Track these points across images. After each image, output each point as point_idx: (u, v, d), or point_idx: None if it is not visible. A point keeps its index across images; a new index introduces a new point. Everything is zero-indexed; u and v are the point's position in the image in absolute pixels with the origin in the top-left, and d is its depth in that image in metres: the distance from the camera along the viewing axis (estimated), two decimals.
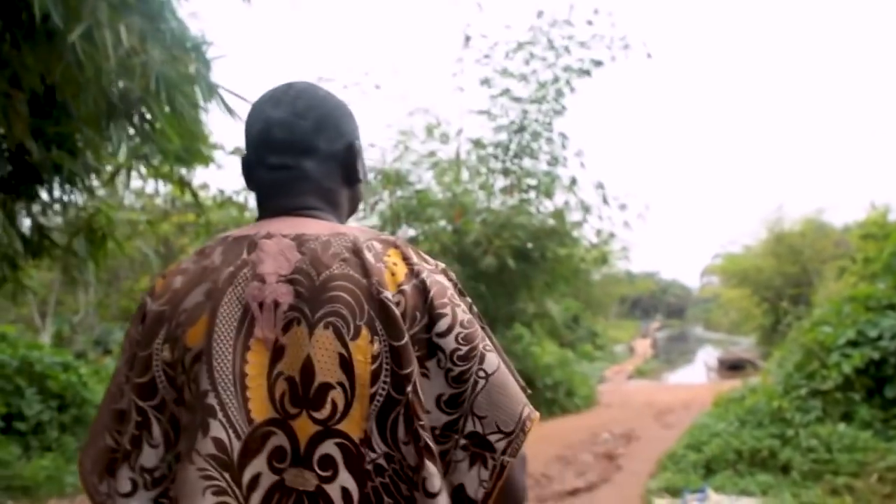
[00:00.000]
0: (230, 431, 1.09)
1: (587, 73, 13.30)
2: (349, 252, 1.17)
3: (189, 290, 1.18)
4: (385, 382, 1.10)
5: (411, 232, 13.06)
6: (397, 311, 1.12)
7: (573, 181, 13.33)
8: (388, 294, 1.13)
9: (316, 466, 1.09)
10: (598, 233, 14.27)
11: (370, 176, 12.44)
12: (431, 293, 1.16)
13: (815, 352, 8.60)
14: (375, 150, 13.68)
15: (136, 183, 14.50)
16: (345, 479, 1.08)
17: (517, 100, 13.42)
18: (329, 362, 1.10)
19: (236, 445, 1.09)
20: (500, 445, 1.13)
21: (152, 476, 1.17)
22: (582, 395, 14.92)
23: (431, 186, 13.72)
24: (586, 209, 13.32)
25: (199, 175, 26.88)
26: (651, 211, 16.32)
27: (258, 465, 1.09)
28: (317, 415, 1.09)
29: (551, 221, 13.59)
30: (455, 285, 1.24)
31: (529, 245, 12.93)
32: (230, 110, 4.34)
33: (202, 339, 1.13)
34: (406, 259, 1.20)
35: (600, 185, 13.15)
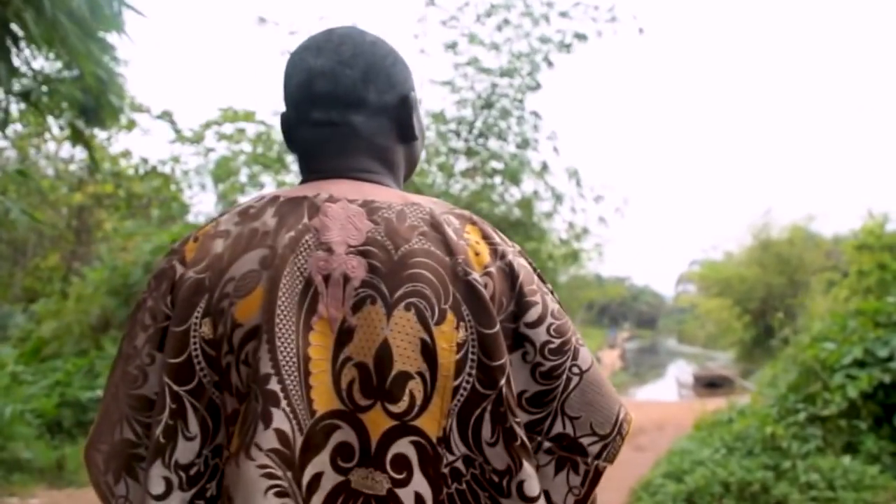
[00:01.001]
0: (293, 423, 1.01)
1: (568, 47, 12.37)
2: (428, 225, 1.09)
3: (237, 256, 1.08)
4: (470, 375, 1.03)
5: None
6: (487, 295, 1.05)
7: (544, 167, 12.38)
8: (476, 275, 1.06)
9: (389, 467, 1.01)
10: (570, 227, 13.27)
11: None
12: (520, 278, 1.09)
13: (815, 371, 7.70)
14: None
15: (49, 147, 13.60)
16: (419, 483, 1.01)
17: (486, 71, 12.39)
18: (409, 348, 1.02)
19: (298, 440, 1.01)
20: (594, 449, 1.09)
21: (188, 473, 1.06)
22: None
23: None
24: (558, 198, 12.34)
25: (122, 141, 25.69)
26: (629, 206, 15.10)
27: (320, 463, 1.01)
28: (393, 408, 1.02)
29: (517, 212, 12.66)
30: (535, 269, 1.15)
31: None
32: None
33: (258, 314, 1.04)
34: (487, 237, 1.12)
35: (575, 173, 12.17)
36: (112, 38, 6.63)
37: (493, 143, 12.64)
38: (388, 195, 1.13)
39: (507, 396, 1.03)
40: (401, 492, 1.01)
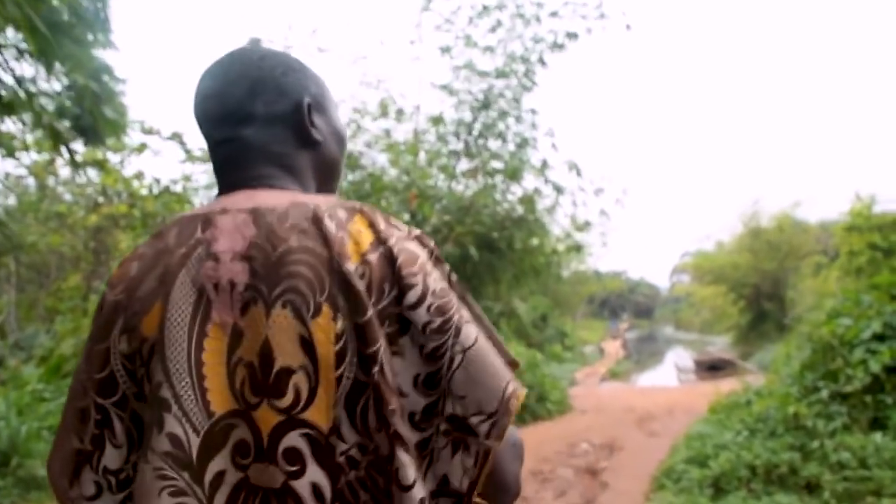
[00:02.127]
0: (187, 426, 1.03)
1: (560, 46, 12.20)
2: (308, 222, 1.08)
3: (144, 277, 1.12)
4: (351, 364, 1.02)
5: None
6: (360, 284, 1.04)
7: (544, 164, 12.18)
8: (351, 266, 1.04)
9: (281, 461, 1.01)
10: (573, 219, 13.06)
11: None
12: (399, 261, 1.07)
13: (834, 348, 7.47)
14: None
15: (64, 172, 13.44)
16: (314, 473, 1.01)
17: (482, 73, 12.24)
18: (289, 344, 1.03)
19: (194, 441, 1.03)
20: (483, 428, 1.05)
21: (117, 478, 1.12)
22: (554, 399, 13.75)
23: (387, 169, 12.49)
24: (559, 190, 12.13)
25: (135, 163, 25.60)
26: (629, 197, 14.88)
27: (221, 461, 1.03)
28: (278, 403, 1.02)
29: (519, 209, 12.44)
30: (431, 252, 1.13)
31: (495, 234, 11.78)
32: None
33: (157, 328, 1.07)
34: (372, 225, 1.10)
35: (574, 166, 11.97)
36: (109, 56, 6.52)
37: (493, 143, 12.46)
38: (276, 199, 1.13)
39: (380, 384, 1.02)
40: (296, 483, 1.01)
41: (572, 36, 12.19)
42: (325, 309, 1.03)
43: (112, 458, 1.12)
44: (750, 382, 10.21)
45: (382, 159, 12.67)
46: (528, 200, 12.46)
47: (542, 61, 12.27)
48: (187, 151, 13.11)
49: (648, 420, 12.15)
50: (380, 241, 1.09)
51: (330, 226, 1.07)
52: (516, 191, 12.71)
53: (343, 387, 1.02)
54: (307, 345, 1.02)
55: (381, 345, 1.03)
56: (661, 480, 7.24)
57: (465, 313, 1.11)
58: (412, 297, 1.06)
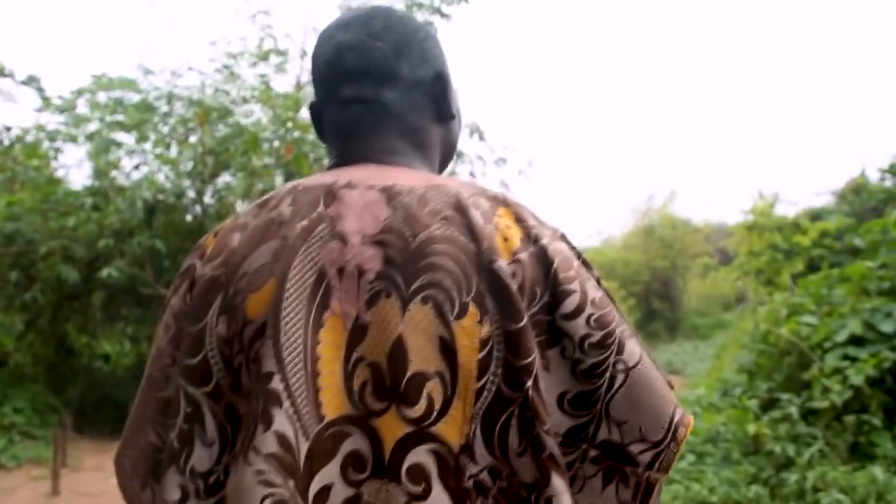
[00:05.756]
0: (297, 427, 0.88)
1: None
2: (452, 209, 0.95)
3: (251, 250, 0.97)
4: (495, 375, 0.89)
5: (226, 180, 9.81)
6: (514, 286, 0.91)
7: None
8: (503, 263, 0.91)
9: (405, 479, 0.88)
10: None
11: None
12: (555, 264, 0.94)
13: (802, 352, 5.76)
14: (193, 75, 10.54)
15: None
16: (439, 497, 0.87)
17: None
18: (426, 347, 0.89)
19: (303, 446, 0.88)
20: (645, 458, 0.93)
21: (206, 482, 0.95)
22: None
23: (264, 123, 10.33)
24: (458, 155, 10.18)
25: None
26: (533, 169, 12.90)
27: (329, 474, 0.89)
28: (409, 413, 0.88)
29: None
30: (579, 255, 1.00)
31: None
32: None
33: (267, 309, 0.92)
34: (520, 221, 0.98)
35: (476, 129, 10.05)
36: None
37: None
38: (411, 178, 1.00)
39: (535, 400, 0.89)
40: None
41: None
42: (472, 310, 0.89)
43: (201, 457, 0.95)
44: (679, 391, 8.49)
45: (258, 111, 10.54)
46: None
47: (440, 12, 10.33)
48: (44, 98, 10.88)
49: None
50: (530, 238, 0.95)
51: (476, 216, 0.94)
52: None
53: (483, 400, 0.89)
54: (447, 349, 0.89)
55: (536, 356, 0.90)
56: None
57: (627, 328, 0.96)
58: (569, 305, 0.93)
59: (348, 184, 0.98)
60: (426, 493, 0.87)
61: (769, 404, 5.77)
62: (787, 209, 15.28)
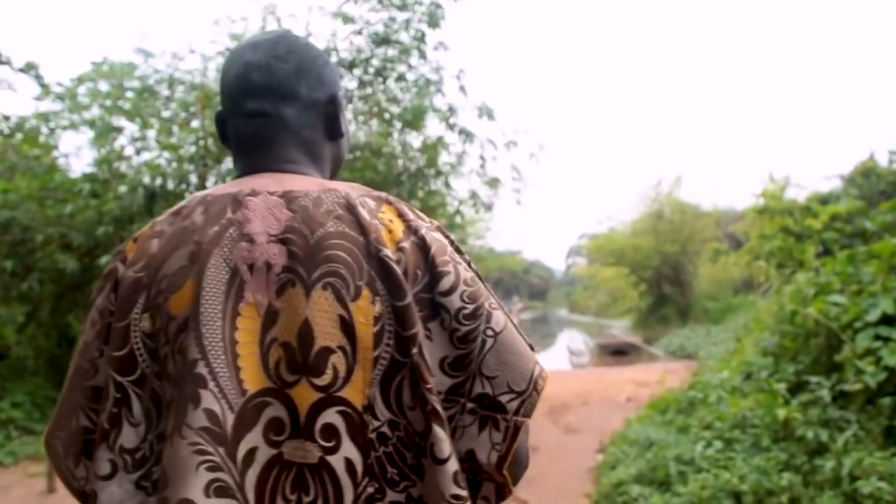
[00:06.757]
0: (223, 403, 1.01)
1: None
2: (342, 209, 1.09)
3: (169, 254, 1.09)
4: (388, 345, 1.04)
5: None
6: (399, 270, 1.05)
7: (451, 109, 9.85)
8: (388, 252, 1.06)
9: (318, 437, 1.01)
10: (482, 165, 10.61)
11: None
12: (432, 250, 1.09)
13: (830, 333, 5.44)
14: (195, 57, 10.28)
15: None
16: (348, 449, 1.01)
17: (381, 1, 9.83)
18: (329, 325, 1.03)
19: (230, 418, 1.01)
20: (513, 406, 1.08)
21: (133, 457, 1.07)
22: None
23: None
24: (468, 135, 9.78)
25: None
26: (546, 152, 12.42)
27: (253, 438, 1.01)
28: (317, 381, 1.02)
29: (421, 160, 10.19)
30: (452, 242, 1.16)
31: (393, 190, 9.42)
32: None
33: (188, 306, 1.04)
34: (401, 215, 1.13)
35: (486, 110, 9.67)
36: None
37: (392, 85, 10.11)
38: (306, 184, 1.13)
39: (419, 364, 1.03)
40: (331, 458, 1.01)
41: None
42: (365, 292, 1.03)
43: (129, 436, 1.07)
44: (700, 372, 8.17)
45: None
46: (432, 148, 10.17)
47: None
48: (43, 86, 10.58)
49: (563, 412, 10.07)
50: (411, 230, 1.10)
51: (363, 213, 1.08)
52: (415, 143, 10.43)
53: (379, 367, 1.03)
54: (347, 326, 1.02)
55: (420, 328, 1.04)
56: None
57: (493, 300, 1.11)
58: (445, 284, 1.08)
59: (252, 191, 1.10)
60: (337, 446, 1.00)
61: (797, 388, 5.46)
62: (798, 193, 15.00)
